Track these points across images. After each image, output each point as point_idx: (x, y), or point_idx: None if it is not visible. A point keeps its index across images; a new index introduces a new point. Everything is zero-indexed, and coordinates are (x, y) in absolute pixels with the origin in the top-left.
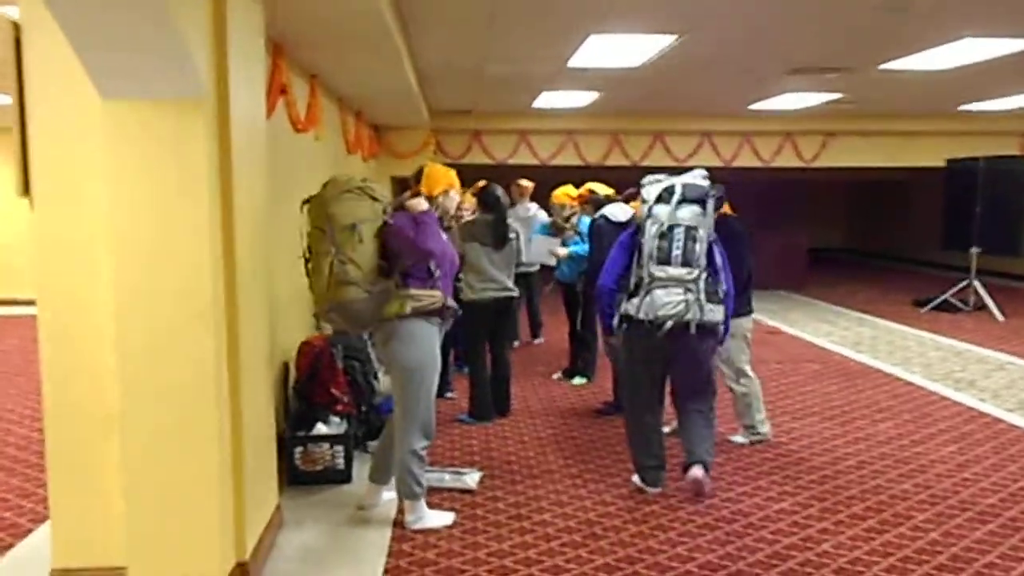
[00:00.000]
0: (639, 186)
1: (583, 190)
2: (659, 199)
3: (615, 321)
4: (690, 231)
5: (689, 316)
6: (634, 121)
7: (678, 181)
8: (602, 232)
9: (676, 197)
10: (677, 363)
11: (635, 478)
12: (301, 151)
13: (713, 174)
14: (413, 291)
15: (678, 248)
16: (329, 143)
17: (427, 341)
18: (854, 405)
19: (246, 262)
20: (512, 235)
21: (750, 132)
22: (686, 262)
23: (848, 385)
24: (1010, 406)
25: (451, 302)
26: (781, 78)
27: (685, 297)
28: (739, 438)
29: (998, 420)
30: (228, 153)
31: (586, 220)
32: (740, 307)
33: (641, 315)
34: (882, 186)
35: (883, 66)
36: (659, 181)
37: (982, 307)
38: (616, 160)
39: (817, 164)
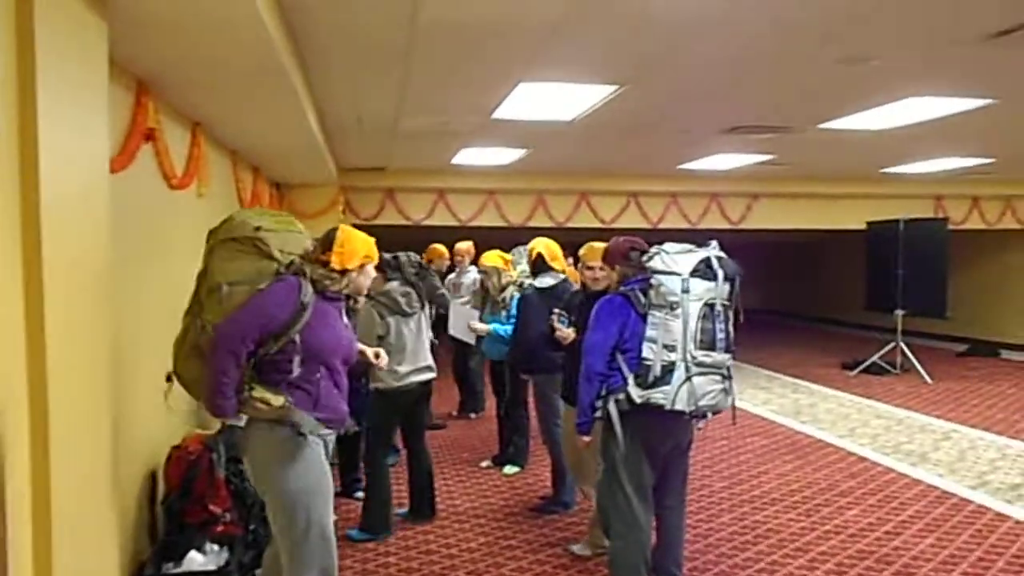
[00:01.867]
0: (635, 250)
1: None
2: (695, 272)
3: (612, 411)
4: (727, 312)
5: (727, 404)
6: (559, 181)
7: (711, 254)
8: (530, 305)
9: (720, 273)
10: (671, 456)
11: None
12: (179, 208)
13: (643, 236)
14: (257, 390)
15: (722, 332)
16: (217, 200)
17: (308, 458)
18: (814, 488)
19: (68, 350)
20: (417, 303)
21: (677, 193)
22: (727, 347)
23: (802, 463)
24: (971, 482)
25: (304, 417)
26: (717, 137)
27: (723, 385)
28: (581, 548)
29: (966, 501)
30: (35, 208)
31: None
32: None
33: (679, 405)
34: (801, 246)
35: (823, 125)
36: (691, 251)
37: (909, 369)
38: (540, 221)
39: (743, 226)
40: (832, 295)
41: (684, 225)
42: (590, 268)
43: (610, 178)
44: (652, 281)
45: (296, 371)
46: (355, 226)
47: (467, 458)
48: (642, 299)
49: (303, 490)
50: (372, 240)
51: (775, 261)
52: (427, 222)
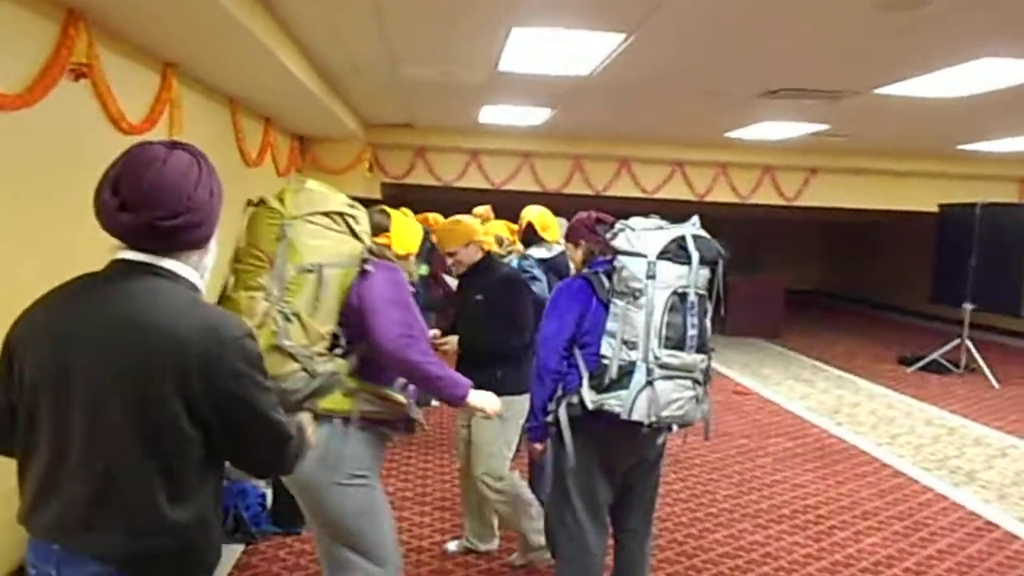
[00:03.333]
0: (600, 225)
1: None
2: (663, 254)
3: (561, 417)
4: (703, 303)
5: (697, 416)
6: (598, 146)
7: (686, 232)
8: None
9: (696, 256)
10: (635, 471)
11: None
12: None
13: (689, 209)
14: (371, 386)
15: (694, 327)
16: (203, 149)
17: (375, 470)
18: (833, 506)
19: None
20: None
21: (727, 164)
22: (701, 346)
23: (826, 473)
24: (1022, 513)
25: (416, 412)
26: (756, 102)
27: (694, 392)
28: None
29: (1012, 537)
30: None
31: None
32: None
33: (636, 415)
34: (865, 227)
35: (879, 90)
36: (662, 228)
37: (975, 369)
38: (577, 188)
39: (799, 202)
40: (897, 281)
41: (733, 199)
42: (449, 254)
43: (653, 144)
44: (615, 263)
45: None
46: (383, 184)
47: (449, 444)
48: (605, 283)
49: (371, 508)
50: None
51: (836, 241)
52: (458, 184)
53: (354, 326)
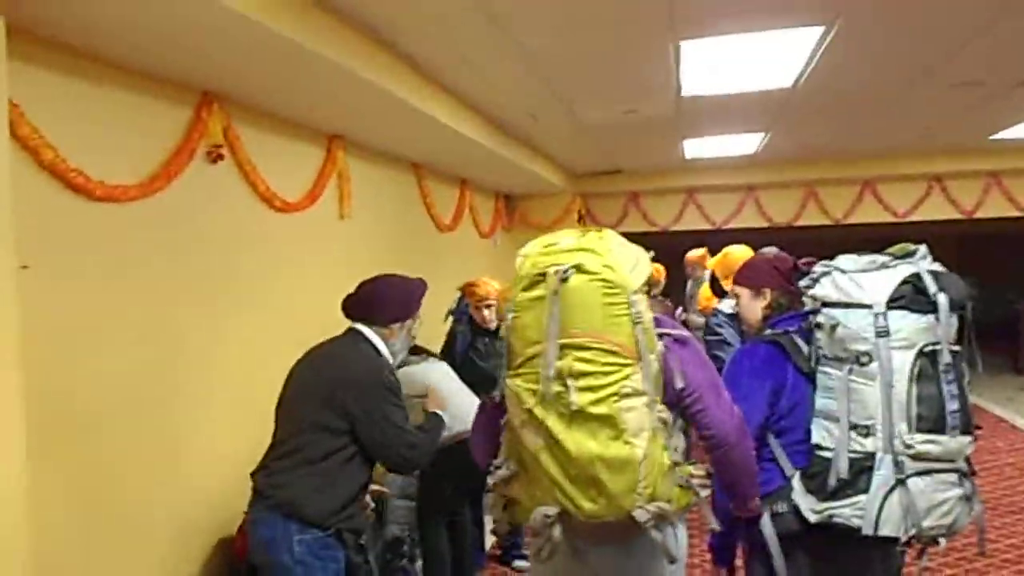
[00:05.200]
0: (802, 269)
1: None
2: (896, 301)
3: (768, 533)
4: (959, 363)
5: (966, 522)
6: (834, 168)
7: (922, 269)
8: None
9: (943, 299)
10: None
11: None
12: (301, 232)
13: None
14: (700, 470)
15: (954, 398)
16: (380, 222)
17: None
18: None
19: None
20: None
21: (1000, 172)
22: (966, 424)
23: None
24: None
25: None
26: (1019, 92)
27: (963, 489)
28: None
29: None
30: None
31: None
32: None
33: (886, 529)
34: None
35: None
36: (885, 267)
37: None
38: (811, 218)
39: None
40: None
41: (1014, 212)
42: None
43: (900, 159)
44: (820, 319)
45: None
46: None
47: None
48: (803, 347)
49: None
50: None
51: None
52: (676, 227)
53: (672, 407)
